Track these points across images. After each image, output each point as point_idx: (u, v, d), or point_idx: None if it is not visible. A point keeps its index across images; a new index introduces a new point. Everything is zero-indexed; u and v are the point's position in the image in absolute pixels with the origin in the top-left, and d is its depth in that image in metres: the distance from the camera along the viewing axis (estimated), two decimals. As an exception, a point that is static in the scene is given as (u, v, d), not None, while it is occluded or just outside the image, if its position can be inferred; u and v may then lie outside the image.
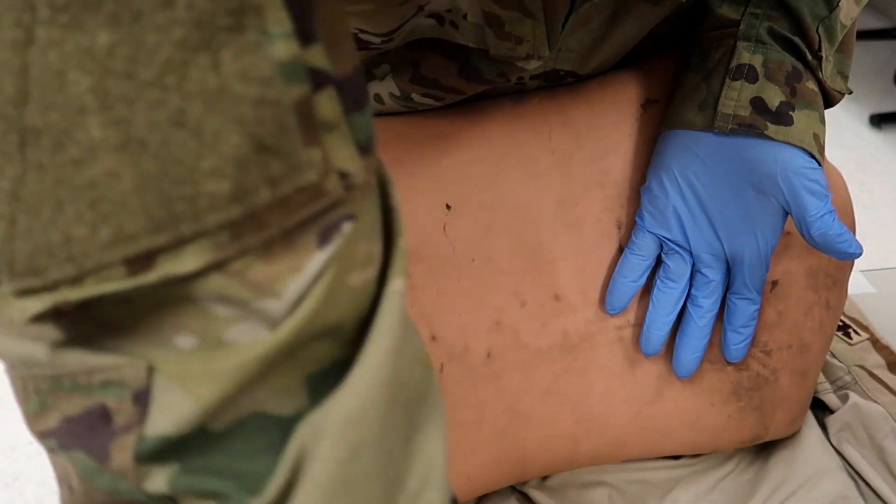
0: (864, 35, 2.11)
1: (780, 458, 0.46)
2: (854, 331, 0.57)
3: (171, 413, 0.17)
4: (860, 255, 0.37)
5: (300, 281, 0.17)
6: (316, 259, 0.17)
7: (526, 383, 0.41)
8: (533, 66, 0.36)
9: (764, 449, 0.48)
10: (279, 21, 0.15)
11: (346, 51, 0.17)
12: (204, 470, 0.18)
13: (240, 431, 0.18)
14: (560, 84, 0.42)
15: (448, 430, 0.41)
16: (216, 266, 0.16)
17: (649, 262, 0.42)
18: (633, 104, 0.43)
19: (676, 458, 0.47)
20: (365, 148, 0.18)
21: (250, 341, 0.17)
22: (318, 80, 0.16)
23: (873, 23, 2.20)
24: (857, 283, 0.67)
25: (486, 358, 0.41)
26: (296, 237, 0.16)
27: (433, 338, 0.40)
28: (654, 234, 0.41)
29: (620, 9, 0.37)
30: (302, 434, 0.17)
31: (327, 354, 0.18)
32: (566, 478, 0.47)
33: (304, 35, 0.16)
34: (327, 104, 0.16)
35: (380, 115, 0.42)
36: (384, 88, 0.40)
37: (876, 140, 1.84)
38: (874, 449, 0.47)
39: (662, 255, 0.42)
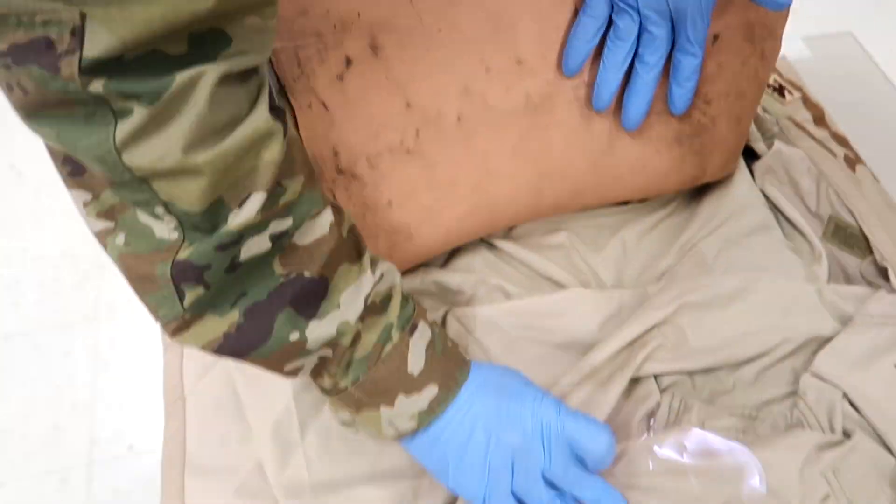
0: None
1: (712, 196, 0.53)
2: (788, 91, 0.63)
3: (100, 44, 0.25)
4: (789, 4, 0.41)
5: None
6: None
7: (494, 143, 0.46)
8: None
9: (699, 191, 0.54)
10: None
11: None
12: (125, 81, 0.27)
13: (146, 61, 0.26)
14: None
15: (427, 190, 0.47)
16: None
17: (601, 22, 0.45)
18: None
19: (625, 203, 0.54)
20: None
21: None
22: None
23: None
24: (797, 48, 0.72)
25: (457, 122, 0.45)
26: None
27: (408, 105, 0.44)
28: None
29: None
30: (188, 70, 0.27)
31: (204, 22, 0.27)
32: (530, 227, 0.53)
33: None
34: None
35: None
36: None
37: None
38: (791, 185, 0.54)
39: (613, 15, 0.45)
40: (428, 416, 0.38)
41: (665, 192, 0.52)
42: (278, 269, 0.34)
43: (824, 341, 0.46)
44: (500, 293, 0.49)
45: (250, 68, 0.30)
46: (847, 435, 0.38)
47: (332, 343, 0.36)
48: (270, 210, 0.32)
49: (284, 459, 0.40)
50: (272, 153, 0.31)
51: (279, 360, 0.36)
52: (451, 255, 0.52)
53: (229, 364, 0.45)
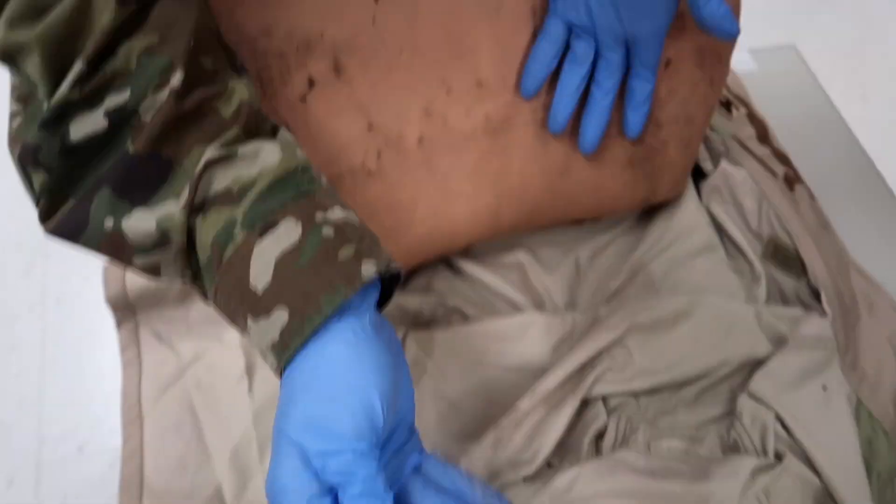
0: None
1: (662, 216, 0.55)
2: (735, 106, 0.65)
3: None
4: (737, 34, 0.43)
5: None
6: None
7: (455, 164, 0.47)
8: None
9: (649, 211, 0.57)
10: None
11: None
12: None
13: None
14: None
15: (388, 211, 0.47)
16: None
17: (559, 46, 0.46)
18: None
19: (580, 221, 0.56)
20: None
21: None
22: None
23: None
24: (743, 60, 0.74)
25: (418, 143, 0.45)
26: None
27: (370, 127, 0.44)
28: (565, 19, 0.45)
29: None
30: None
31: None
32: (487, 246, 0.54)
33: None
34: None
35: None
36: None
37: None
38: (735, 205, 0.57)
39: (571, 40, 0.46)
40: (283, 353, 0.29)
41: (617, 212, 0.54)
42: (133, 151, 0.30)
43: (760, 362, 0.48)
44: (459, 315, 0.50)
45: None
46: (779, 457, 0.41)
47: (159, 239, 0.31)
48: (91, 81, 0.29)
49: (243, 483, 0.41)
50: (105, 18, 0.29)
51: (116, 252, 0.31)
52: (410, 272, 0.53)
53: (188, 383, 0.45)
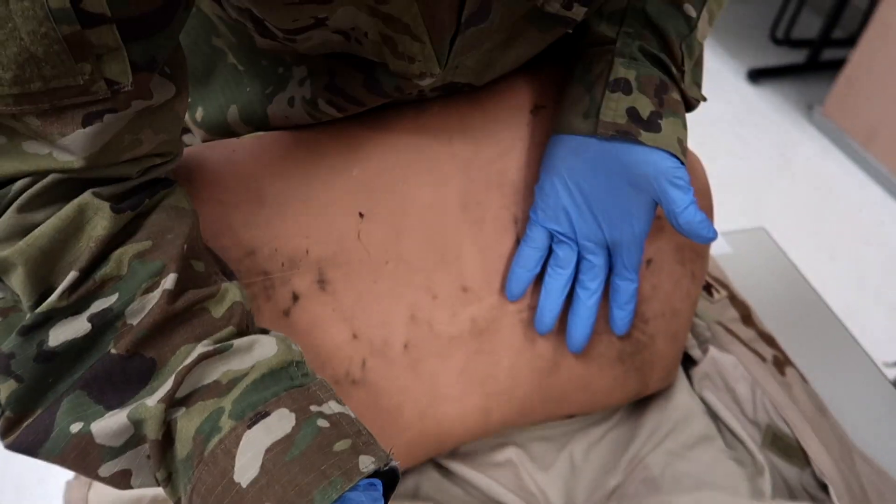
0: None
1: (655, 407, 0.54)
2: (715, 289, 0.66)
3: None
4: (715, 238, 0.44)
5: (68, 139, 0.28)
6: (78, 132, 0.28)
7: (441, 367, 0.46)
8: (427, 82, 0.39)
9: (642, 402, 0.55)
10: None
11: (137, 2, 0.27)
12: None
13: None
14: (458, 93, 0.46)
15: (374, 419, 0.45)
16: (11, 116, 0.27)
17: (542, 252, 0.47)
18: (525, 110, 0.47)
19: (572, 416, 0.54)
20: (142, 66, 0.28)
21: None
22: (93, 20, 0.25)
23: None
24: (717, 244, 0.77)
25: (403, 349, 0.45)
26: (64, 113, 0.27)
27: (354, 336, 0.43)
28: (546, 227, 0.46)
29: (513, 33, 0.40)
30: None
31: None
32: (477, 444, 0.52)
33: None
34: (105, 34, 0.26)
35: (287, 128, 0.44)
36: (299, 92, 0.42)
37: (752, 94, 2.00)
38: (728, 392, 0.56)
39: (553, 245, 0.47)
40: None
41: (609, 406, 0.53)
42: (115, 352, 0.29)
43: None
44: (450, 525, 0.47)
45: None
46: None
47: (132, 437, 0.29)
48: (80, 289, 0.29)
49: None
50: (99, 228, 0.30)
51: (81, 461, 0.29)
52: (396, 476, 0.50)
53: None
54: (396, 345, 0.44)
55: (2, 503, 0.94)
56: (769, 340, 0.62)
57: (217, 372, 0.30)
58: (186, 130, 0.48)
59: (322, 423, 0.29)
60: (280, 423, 0.28)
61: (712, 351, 0.57)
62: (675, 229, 0.44)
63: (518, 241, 0.47)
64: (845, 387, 0.62)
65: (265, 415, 0.28)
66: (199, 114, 0.45)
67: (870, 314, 1.40)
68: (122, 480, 0.30)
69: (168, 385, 0.29)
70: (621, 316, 0.48)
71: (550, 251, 0.47)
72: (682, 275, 0.51)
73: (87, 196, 0.30)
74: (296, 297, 0.41)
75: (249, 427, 0.28)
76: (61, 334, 0.29)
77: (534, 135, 0.47)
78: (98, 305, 0.29)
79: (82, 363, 0.30)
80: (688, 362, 0.59)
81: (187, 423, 0.29)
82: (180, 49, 0.33)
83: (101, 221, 0.30)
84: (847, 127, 1.80)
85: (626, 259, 0.46)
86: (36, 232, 0.29)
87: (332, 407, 0.30)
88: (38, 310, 0.29)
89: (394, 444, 0.46)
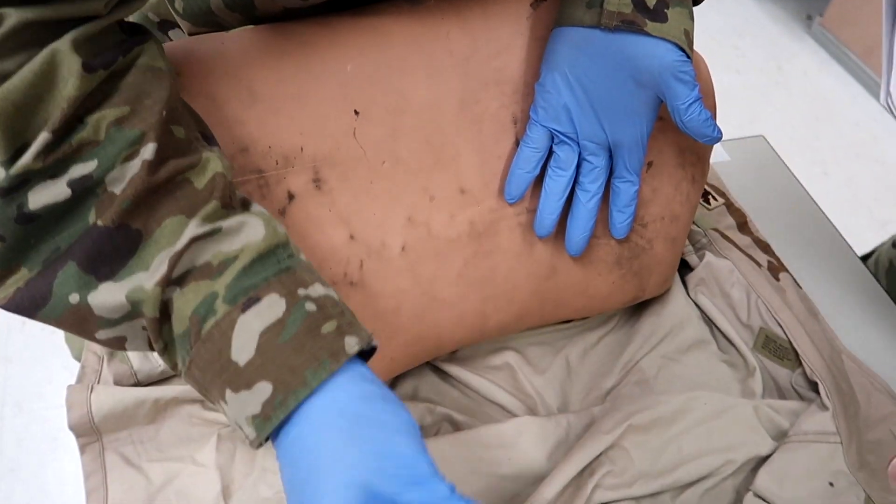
0: None
1: (651, 312, 0.54)
2: (713, 196, 0.66)
3: None
4: (720, 138, 0.43)
5: None
6: None
7: (439, 270, 0.45)
8: None
9: (638, 307, 0.56)
10: None
11: None
12: None
13: None
14: (455, -17, 0.43)
15: (372, 320, 0.45)
16: None
17: (542, 153, 0.45)
18: (525, 2, 0.45)
19: (569, 321, 0.54)
20: None
21: None
22: None
23: None
24: (715, 152, 0.76)
25: (401, 251, 0.44)
26: None
27: (351, 237, 0.43)
28: (546, 126, 0.45)
29: None
30: None
31: None
32: (474, 348, 0.53)
33: None
34: None
35: (275, 12, 0.41)
36: None
37: (752, 7, 1.94)
38: (723, 297, 0.56)
39: (553, 145, 0.46)
40: (265, 424, 0.29)
41: (606, 311, 0.53)
42: (94, 220, 0.30)
43: (763, 459, 0.47)
44: (448, 423, 0.47)
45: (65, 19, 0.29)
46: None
47: (129, 313, 0.30)
48: (56, 152, 0.29)
49: None
50: (70, 86, 0.28)
51: (78, 325, 0.31)
52: (396, 378, 0.51)
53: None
54: (394, 247, 0.44)
55: (3, 416, 0.95)
56: (764, 247, 0.62)
57: (208, 253, 0.31)
58: (172, 25, 0.46)
59: (310, 306, 0.31)
60: (271, 308, 0.30)
61: (708, 256, 0.57)
62: (677, 127, 0.43)
63: (517, 142, 0.46)
64: (837, 292, 0.63)
65: (256, 300, 0.30)
66: (178, 2, 0.43)
67: (861, 228, 1.42)
68: (116, 344, 0.32)
69: (163, 269, 0.30)
70: (621, 219, 0.47)
71: (550, 152, 0.46)
72: (683, 178, 0.50)
73: (58, 44, 0.28)
74: (291, 197, 0.40)
75: (243, 311, 0.30)
76: (41, 198, 0.29)
77: (535, 29, 0.45)
78: (77, 171, 0.29)
79: (64, 227, 0.30)
80: (684, 268, 0.59)
81: (183, 304, 0.30)
82: None
83: (73, 80, 0.29)
84: (846, 39, 1.76)
85: (628, 161, 0.45)
86: (8, 85, 0.28)
87: (317, 289, 0.32)
88: (13, 171, 0.28)
89: (391, 345, 0.46)
